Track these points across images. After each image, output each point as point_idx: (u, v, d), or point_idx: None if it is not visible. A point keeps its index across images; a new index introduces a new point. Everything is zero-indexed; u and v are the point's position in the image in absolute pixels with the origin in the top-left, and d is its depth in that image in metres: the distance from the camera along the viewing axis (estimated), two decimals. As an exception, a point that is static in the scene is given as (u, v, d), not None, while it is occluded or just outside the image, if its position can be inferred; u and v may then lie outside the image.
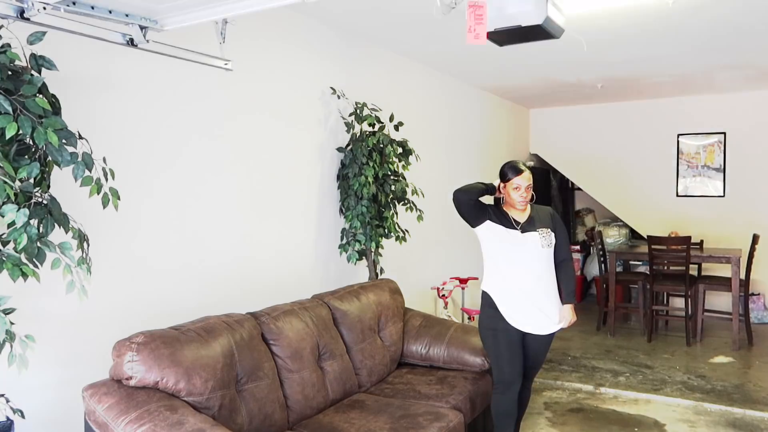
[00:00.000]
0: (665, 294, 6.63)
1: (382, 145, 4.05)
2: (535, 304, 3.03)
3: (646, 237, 6.18)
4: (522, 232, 3.04)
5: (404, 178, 4.23)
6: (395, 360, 3.62)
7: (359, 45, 4.41)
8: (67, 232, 2.07)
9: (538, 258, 3.03)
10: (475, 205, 3.04)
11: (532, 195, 3.09)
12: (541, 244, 3.02)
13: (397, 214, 4.24)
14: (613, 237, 7.76)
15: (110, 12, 2.05)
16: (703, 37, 4.47)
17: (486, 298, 3.11)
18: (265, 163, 3.54)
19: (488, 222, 3.04)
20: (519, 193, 3.00)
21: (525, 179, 3.00)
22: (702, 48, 4.78)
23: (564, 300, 3.12)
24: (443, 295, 5.16)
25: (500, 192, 3.09)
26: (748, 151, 6.84)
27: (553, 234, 3.08)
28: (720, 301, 6.50)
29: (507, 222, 3.06)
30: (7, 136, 1.83)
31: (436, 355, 3.60)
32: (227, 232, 3.27)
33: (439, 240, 5.45)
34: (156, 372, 2.25)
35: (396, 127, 4.24)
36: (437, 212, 5.31)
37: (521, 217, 3.08)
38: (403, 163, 4.23)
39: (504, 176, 3.05)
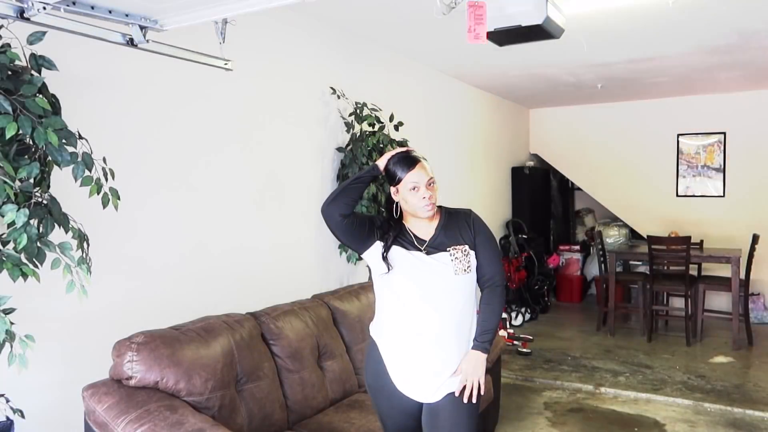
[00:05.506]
0: (665, 294, 6.62)
1: (382, 145, 4.05)
2: (438, 361, 2.12)
3: (646, 237, 6.18)
4: (427, 254, 2.11)
5: (404, 178, 4.22)
6: (395, 360, 3.61)
7: (359, 45, 4.41)
8: (67, 232, 2.07)
9: (451, 290, 2.11)
10: (351, 220, 2.07)
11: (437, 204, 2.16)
12: (453, 269, 2.09)
13: (397, 214, 4.24)
14: (613, 237, 7.77)
15: (110, 12, 2.05)
16: (703, 37, 4.47)
17: (372, 347, 2.24)
18: (265, 163, 3.54)
19: (377, 243, 2.12)
20: (419, 195, 2.07)
21: (422, 173, 2.08)
22: (702, 48, 4.78)
23: (474, 342, 2.15)
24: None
25: (396, 196, 2.15)
26: (748, 151, 6.84)
27: (472, 252, 2.14)
28: (720, 301, 6.50)
29: (406, 240, 2.13)
30: (7, 136, 1.83)
31: (436, 355, 3.59)
32: (227, 232, 3.27)
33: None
34: (156, 372, 2.25)
35: (396, 127, 4.24)
36: (437, 212, 5.31)
37: (426, 231, 2.15)
38: (403, 163, 4.23)
39: (393, 177, 2.10)
